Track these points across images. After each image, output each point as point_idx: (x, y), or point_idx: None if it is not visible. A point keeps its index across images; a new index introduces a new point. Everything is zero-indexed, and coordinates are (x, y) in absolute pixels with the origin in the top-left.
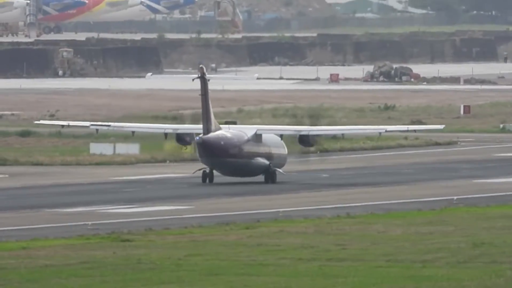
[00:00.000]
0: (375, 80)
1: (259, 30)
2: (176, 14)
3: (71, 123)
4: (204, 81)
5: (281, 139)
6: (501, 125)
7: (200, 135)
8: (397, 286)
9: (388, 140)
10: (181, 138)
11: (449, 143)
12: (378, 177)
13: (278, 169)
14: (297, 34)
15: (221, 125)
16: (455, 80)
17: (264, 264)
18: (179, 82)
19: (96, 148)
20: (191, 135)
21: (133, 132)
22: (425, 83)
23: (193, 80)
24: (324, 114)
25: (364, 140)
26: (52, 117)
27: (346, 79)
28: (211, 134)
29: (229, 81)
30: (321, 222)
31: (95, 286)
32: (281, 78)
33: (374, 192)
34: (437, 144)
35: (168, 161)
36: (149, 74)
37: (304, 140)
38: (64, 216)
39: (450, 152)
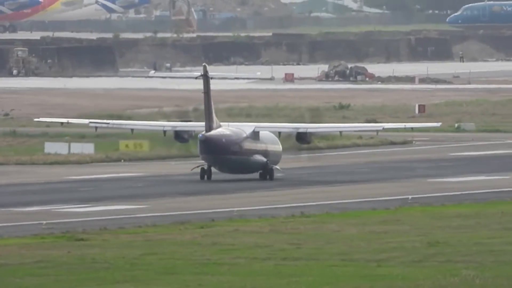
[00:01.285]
0: (330, 79)
1: (214, 29)
2: (132, 14)
3: (71, 120)
4: (206, 79)
5: (279, 136)
6: (456, 125)
7: (203, 133)
8: (351, 285)
9: (343, 139)
10: (179, 136)
11: (404, 143)
12: (333, 176)
13: (275, 166)
14: (252, 34)
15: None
16: (410, 79)
17: (219, 263)
18: (137, 81)
19: (51, 147)
20: (189, 132)
21: (132, 129)
22: (380, 82)
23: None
24: (280, 114)
25: (319, 139)
26: (6, 116)
27: (301, 78)
28: (213, 132)
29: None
30: (276, 222)
31: (50, 286)
32: (236, 78)
33: (329, 192)
34: (392, 143)
35: (122, 160)
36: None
37: (302, 138)
38: (18, 215)
39: (405, 151)
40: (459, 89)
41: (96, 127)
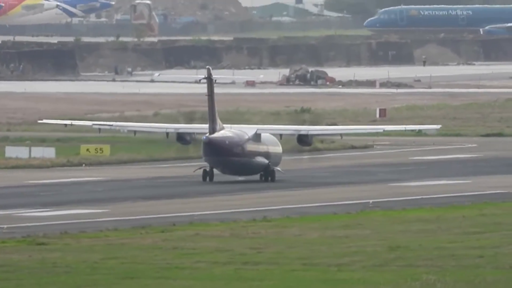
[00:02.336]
0: (291, 83)
1: (175, 33)
2: (93, 18)
3: (74, 122)
4: (210, 81)
5: (281, 138)
6: (383, 130)
7: (207, 135)
8: None
9: None
10: (182, 138)
11: (365, 147)
12: (294, 180)
13: (277, 168)
14: (213, 38)
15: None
16: (371, 83)
17: (180, 267)
18: (98, 85)
19: (12, 151)
20: (191, 134)
21: (134, 132)
22: (340, 86)
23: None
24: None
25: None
26: None
27: (262, 82)
28: (217, 134)
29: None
30: (236, 226)
31: None
32: (197, 81)
33: (290, 196)
34: (353, 147)
35: (84, 165)
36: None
37: (303, 140)
38: None
39: (366, 155)
40: (420, 93)
41: (99, 129)
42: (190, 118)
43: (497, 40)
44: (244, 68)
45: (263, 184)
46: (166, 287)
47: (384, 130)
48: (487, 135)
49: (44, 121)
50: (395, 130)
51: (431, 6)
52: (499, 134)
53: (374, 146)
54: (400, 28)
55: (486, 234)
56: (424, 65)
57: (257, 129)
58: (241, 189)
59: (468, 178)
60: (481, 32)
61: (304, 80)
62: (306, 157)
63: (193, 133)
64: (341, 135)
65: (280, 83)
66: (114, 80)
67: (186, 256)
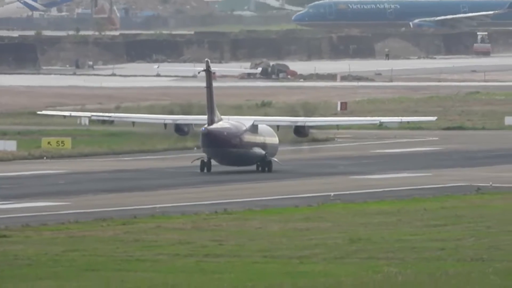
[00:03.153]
0: (252, 77)
1: (136, 27)
2: (54, 12)
3: (73, 113)
4: (209, 74)
5: (278, 129)
6: (379, 122)
7: (205, 126)
8: (274, 282)
9: None
10: (180, 129)
11: (326, 139)
12: (255, 173)
13: (273, 159)
14: (174, 32)
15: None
16: (332, 77)
17: (141, 260)
18: (59, 79)
19: None
20: (189, 125)
21: (133, 122)
22: (302, 80)
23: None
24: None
25: None
26: None
27: (223, 76)
28: (215, 125)
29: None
30: (198, 218)
31: None
32: (158, 75)
33: (252, 188)
34: (315, 140)
35: (45, 158)
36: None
37: (300, 131)
38: None
39: (328, 148)
40: (381, 86)
41: (99, 120)
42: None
43: (459, 34)
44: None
45: (226, 176)
46: (127, 279)
47: (380, 122)
48: (448, 129)
49: (44, 112)
50: (392, 121)
51: None
52: (460, 128)
53: (336, 139)
54: (329, 22)
55: (447, 227)
56: (387, 58)
57: (254, 121)
58: (203, 181)
59: (429, 171)
60: (411, 26)
61: (265, 73)
62: None
63: (191, 124)
64: (337, 126)
65: (241, 77)
66: (75, 74)
67: (147, 248)
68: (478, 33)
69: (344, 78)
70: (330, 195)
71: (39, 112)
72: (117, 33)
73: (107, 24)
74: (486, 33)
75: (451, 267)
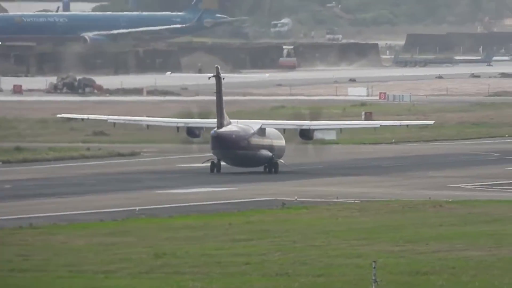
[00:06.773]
0: (58, 91)
1: None
2: None
3: (91, 117)
4: (219, 79)
5: (284, 133)
6: (379, 125)
7: (215, 129)
8: None
9: (71, 151)
10: (192, 132)
11: (132, 154)
12: (61, 188)
13: (280, 160)
14: None
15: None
16: (138, 91)
17: None
18: None
19: None
20: (200, 128)
21: (147, 125)
22: (108, 94)
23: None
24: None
25: (47, 151)
26: None
27: (30, 90)
28: (224, 128)
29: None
30: (3, 233)
31: None
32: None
33: (57, 203)
34: (120, 155)
35: None
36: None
37: (305, 134)
38: None
39: (133, 163)
40: (187, 100)
41: (114, 123)
42: None
43: (265, 47)
44: (11, 76)
45: (32, 191)
46: None
47: (381, 125)
48: None
49: (63, 115)
50: (391, 125)
51: (33, 13)
52: None
53: (141, 153)
54: (10, 35)
55: (253, 241)
56: (199, 72)
57: (262, 124)
58: (7, 196)
59: (234, 185)
60: (88, 41)
61: (71, 88)
62: (74, 164)
63: (202, 127)
64: (340, 129)
65: (48, 91)
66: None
67: None
68: (284, 46)
69: (150, 92)
70: (136, 209)
71: (58, 115)
72: None
73: None
74: (292, 47)
75: (256, 281)
